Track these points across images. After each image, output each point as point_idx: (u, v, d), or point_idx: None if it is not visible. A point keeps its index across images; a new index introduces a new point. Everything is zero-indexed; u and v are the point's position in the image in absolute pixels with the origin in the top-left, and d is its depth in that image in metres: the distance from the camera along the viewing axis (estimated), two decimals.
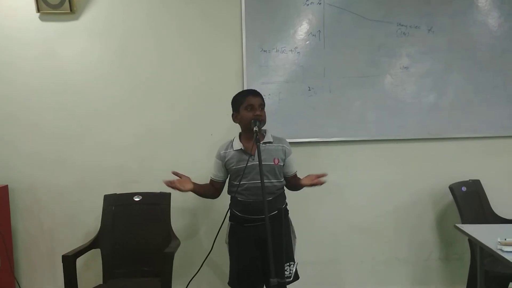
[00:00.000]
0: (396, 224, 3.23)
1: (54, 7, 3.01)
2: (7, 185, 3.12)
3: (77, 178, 3.16)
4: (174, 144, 3.14)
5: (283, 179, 2.42)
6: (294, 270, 2.32)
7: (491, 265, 2.57)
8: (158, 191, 2.97)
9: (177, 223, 3.02)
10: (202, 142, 3.12)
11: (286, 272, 2.27)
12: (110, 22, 3.10)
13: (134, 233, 2.90)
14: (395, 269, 3.25)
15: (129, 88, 3.14)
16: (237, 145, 2.39)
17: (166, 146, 3.15)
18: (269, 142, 2.38)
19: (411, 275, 3.25)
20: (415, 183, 3.21)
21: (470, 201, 2.99)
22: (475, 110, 3.13)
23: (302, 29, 3.09)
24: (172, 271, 2.52)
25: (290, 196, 2.52)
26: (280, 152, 2.38)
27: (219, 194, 2.53)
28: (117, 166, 3.15)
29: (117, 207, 2.94)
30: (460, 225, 2.49)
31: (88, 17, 3.09)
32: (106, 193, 2.96)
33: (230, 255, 2.47)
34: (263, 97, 2.43)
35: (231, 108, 2.43)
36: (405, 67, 3.12)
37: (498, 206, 3.09)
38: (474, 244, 2.61)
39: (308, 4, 3.07)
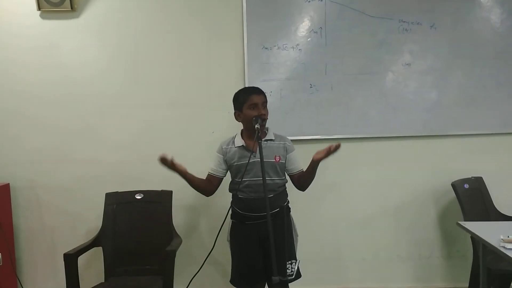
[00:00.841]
0: (398, 222, 3.23)
1: (55, 5, 3.01)
2: (8, 183, 3.12)
3: (78, 176, 3.17)
4: (175, 141, 3.14)
5: (285, 177, 2.42)
6: (296, 268, 2.31)
7: (493, 262, 2.56)
8: (160, 189, 2.97)
9: (178, 221, 3.02)
10: (203, 140, 3.11)
11: (288, 270, 2.26)
12: (110, 20, 3.10)
13: (136, 231, 2.90)
14: (397, 267, 3.24)
15: (130, 86, 3.13)
16: (239, 141, 2.38)
17: (167, 144, 3.14)
18: (271, 140, 2.38)
19: (413, 272, 3.25)
20: (417, 180, 3.20)
21: (473, 199, 2.98)
22: (477, 107, 3.12)
23: (304, 26, 3.08)
24: (173, 269, 2.52)
25: (291, 193, 2.51)
26: (281, 149, 2.38)
27: (214, 191, 2.48)
28: (118, 164, 3.15)
29: (119, 205, 2.94)
30: (462, 223, 2.48)
31: (89, 15, 3.08)
32: (107, 191, 2.96)
33: (231, 253, 2.47)
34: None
35: (233, 106, 2.42)
36: (407, 64, 3.11)
37: (501, 203, 3.08)
38: (476, 241, 2.60)
39: (309, 1, 3.06)
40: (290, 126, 3.01)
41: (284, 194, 2.45)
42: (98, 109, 3.14)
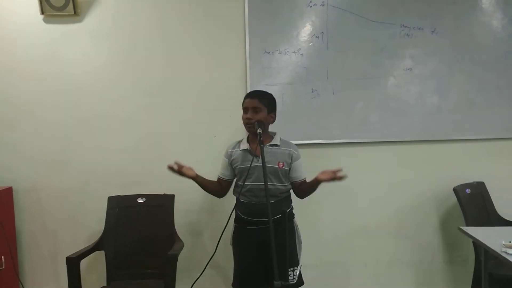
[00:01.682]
0: (400, 227, 3.23)
1: (58, 9, 3.01)
2: (11, 187, 3.12)
3: (81, 180, 3.17)
4: (177, 146, 3.14)
5: (288, 183, 2.41)
6: (297, 274, 2.31)
7: (495, 267, 2.56)
8: (162, 193, 2.98)
9: (180, 225, 3.02)
10: (205, 144, 3.12)
11: (289, 277, 2.26)
12: (114, 24, 3.11)
13: (138, 235, 2.90)
14: (398, 272, 3.24)
15: (132, 90, 3.14)
16: (244, 145, 2.40)
17: (169, 148, 3.15)
18: (276, 145, 2.38)
19: (415, 277, 3.24)
20: (418, 185, 3.20)
21: (474, 203, 2.98)
22: (479, 111, 3.13)
23: (305, 31, 3.09)
24: (175, 273, 2.52)
25: (293, 198, 2.52)
26: (286, 156, 2.38)
27: (225, 193, 2.54)
28: (121, 168, 3.15)
29: (121, 209, 2.94)
30: (464, 228, 2.49)
31: (92, 19, 3.10)
32: (110, 195, 2.97)
33: (234, 256, 2.48)
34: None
35: None
36: (408, 69, 3.12)
37: (503, 208, 3.08)
38: (478, 246, 2.60)
39: (311, 6, 3.07)
40: (291, 130, 3.01)
41: (287, 200, 2.44)
42: (101, 113, 3.14)
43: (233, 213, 2.33)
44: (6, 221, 2.99)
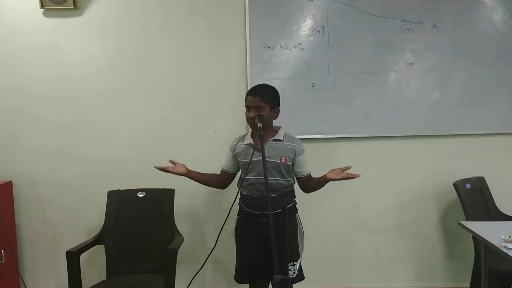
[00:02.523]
0: (400, 221, 3.23)
1: (58, 3, 3.01)
2: (11, 181, 3.13)
3: (81, 174, 3.17)
4: (177, 140, 3.14)
5: (291, 179, 2.41)
6: (297, 268, 2.30)
7: (495, 262, 2.56)
8: (162, 187, 2.97)
9: (180, 219, 3.02)
10: (205, 138, 3.12)
11: (290, 272, 2.26)
12: (113, 18, 3.10)
13: (138, 229, 2.90)
14: (398, 266, 3.24)
15: (133, 84, 3.14)
16: (248, 139, 2.40)
17: (169, 142, 3.15)
18: (279, 140, 2.37)
19: (415, 272, 3.25)
20: (419, 180, 3.20)
21: (474, 198, 2.98)
22: (479, 106, 3.12)
23: (306, 25, 3.08)
24: (175, 267, 2.52)
25: (296, 193, 2.51)
26: (289, 151, 2.36)
27: (227, 185, 2.55)
28: (121, 162, 3.16)
29: (121, 203, 2.94)
30: (464, 222, 2.48)
31: (92, 13, 3.09)
32: (110, 189, 2.97)
33: (236, 249, 2.49)
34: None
35: None
36: (409, 64, 3.11)
37: (503, 203, 3.08)
38: (478, 241, 2.60)
39: (312, 0, 3.06)
40: (292, 125, 2.99)
41: (290, 195, 2.43)
42: (100, 107, 3.14)
43: (234, 207, 2.33)
44: (6, 215, 3.00)
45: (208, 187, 2.57)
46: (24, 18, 3.07)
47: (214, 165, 2.58)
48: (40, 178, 3.18)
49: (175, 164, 2.43)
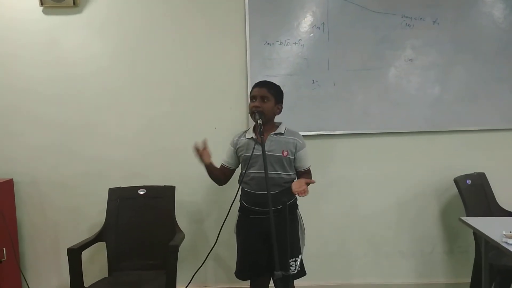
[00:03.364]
0: (400, 217, 3.23)
1: (57, 0, 3.00)
2: (12, 179, 3.13)
3: (82, 171, 3.18)
4: (177, 137, 3.14)
5: (292, 173, 2.41)
6: (298, 264, 2.31)
7: (496, 258, 2.57)
8: (163, 184, 2.98)
9: (181, 216, 3.03)
10: (206, 135, 3.07)
11: (291, 267, 2.27)
12: (112, 15, 3.09)
13: (139, 226, 2.91)
14: (399, 262, 3.25)
15: (133, 81, 3.14)
16: (250, 134, 2.41)
17: (170, 139, 3.15)
18: (280, 134, 2.38)
19: (415, 268, 3.25)
20: (419, 176, 3.20)
21: (475, 194, 2.98)
22: (480, 102, 3.12)
23: (306, 22, 3.07)
24: (177, 264, 2.53)
25: None
26: (290, 145, 2.38)
27: (226, 182, 2.53)
28: (122, 160, 3.16)
29: (122, 200, 2.95)
30: (464, 218, 2.49)
31: (91, 11, 3.08)
32: (110, 187, 2.97)
33: (237, 245, 2.49)
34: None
35: None
36: (409, 60, 3.11)
37: (503, 199, 3.08)
38: (479, 237, 2.61)
39: None
40: (292, 121, 2.96)
41: (290, 191, 2.44)
42: (101, 104, 3.14)
43: (235, 204, 2.33)
44: (7, 213, 3.00)
45: (209, 185, 2.56)
46: (24, 15, 3.07)
47: (215, 161, 2.57)
48: (41, 176, 3.18)
49: (205, 148, 2.38)
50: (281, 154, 2.34)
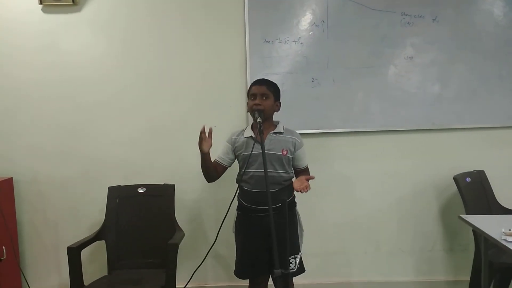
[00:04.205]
0: (400, 215, 3.23)
1: None
2: (11, 178, 3.13)
3: (81, 170, 3.18)
4: (177, 136, 3.14)
5: (291, 171, 2.42)
6: (298, 261, 2.32)
7: (495, 255, 2.57)
8: (162, 183, 2.98)
9: (181, 214, 3.03)
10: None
11: (291, 265, 2.27)
12: (112, 14, 3.09)
13: (139, 225, 2.91)
14: (399, 260, 3.25)
15: (132, 80, 3.13)
16: (248, 132, 2.41)
17: (169, 138, 3.15)
18: (279, 133, 2.39)
19: (415, 266, 3.26)
20: (419, 174, 3.20)
21: (475, 192, 2.98)
22: (479, 100, 3.11)
23: (306, 20, 3.07)
24: (176, 262, 2.53)
25: None
26: (289, 143, 2.38)
27: (216, 179, 2.47)
28: (121, 159, 3.16)
29: (122, 199, 2.95)
30: (464, 216, 2.48)
31: (91, 9, 3.08)
32: (110, 185, 2.97)
33: (236, 245, 2.49)
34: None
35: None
36: (409, 57, 3.10)
37: (503, 196, 3.08)
38: (478, 234, 2.61)
39: None
40: (291, 120, 2.99)
41: (289, 189, 2.43)
42: (100, 103, 3.14)
43: (234, 202, 2.33)
44: (7, 212, 3.00)
45: (208, 183, 2.53)
46: (23, 14, 3.07)
47: (212, 159, 2.58)
48: (41, 175, 3.18)
49: (208, 135, 2.34)
50: (281, 153, 2.34)
